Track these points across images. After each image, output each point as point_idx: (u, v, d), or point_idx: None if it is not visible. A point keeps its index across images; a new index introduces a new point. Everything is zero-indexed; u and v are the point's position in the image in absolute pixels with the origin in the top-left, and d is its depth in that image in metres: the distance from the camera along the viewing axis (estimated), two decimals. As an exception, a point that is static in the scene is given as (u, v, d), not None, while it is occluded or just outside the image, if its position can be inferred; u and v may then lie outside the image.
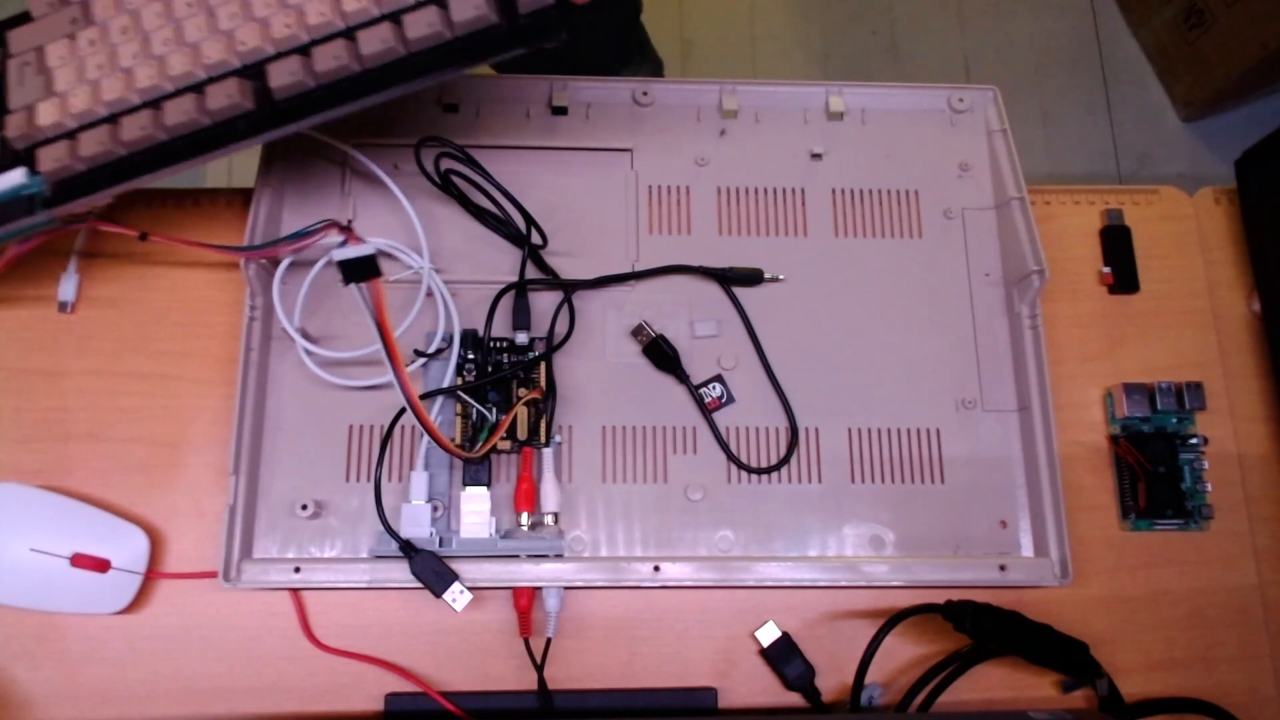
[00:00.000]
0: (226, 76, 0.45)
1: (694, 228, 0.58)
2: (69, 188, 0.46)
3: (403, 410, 0.51)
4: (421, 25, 0.43)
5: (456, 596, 0.48)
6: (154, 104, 0.45)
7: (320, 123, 0.45)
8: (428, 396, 0.52)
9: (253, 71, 0.45)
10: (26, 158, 0.46)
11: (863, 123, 0.61)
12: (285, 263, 0.53)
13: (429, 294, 0.55)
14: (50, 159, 0.46)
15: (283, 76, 0.44)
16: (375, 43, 0.43)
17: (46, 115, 0.46)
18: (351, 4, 0.44)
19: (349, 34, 0.44)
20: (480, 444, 0.50)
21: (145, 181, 0.46)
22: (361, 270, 0.44)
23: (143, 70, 0.45)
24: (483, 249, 0.56)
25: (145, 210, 0.58)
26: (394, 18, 0.44)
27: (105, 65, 0.46)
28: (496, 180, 0.54)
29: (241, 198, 0.58)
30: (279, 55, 0.45)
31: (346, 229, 0.48)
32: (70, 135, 0.46)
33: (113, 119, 0.45)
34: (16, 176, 0.46)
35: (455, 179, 0.56)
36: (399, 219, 0.56)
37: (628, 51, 0.91)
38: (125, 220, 0.53)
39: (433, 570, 0.49)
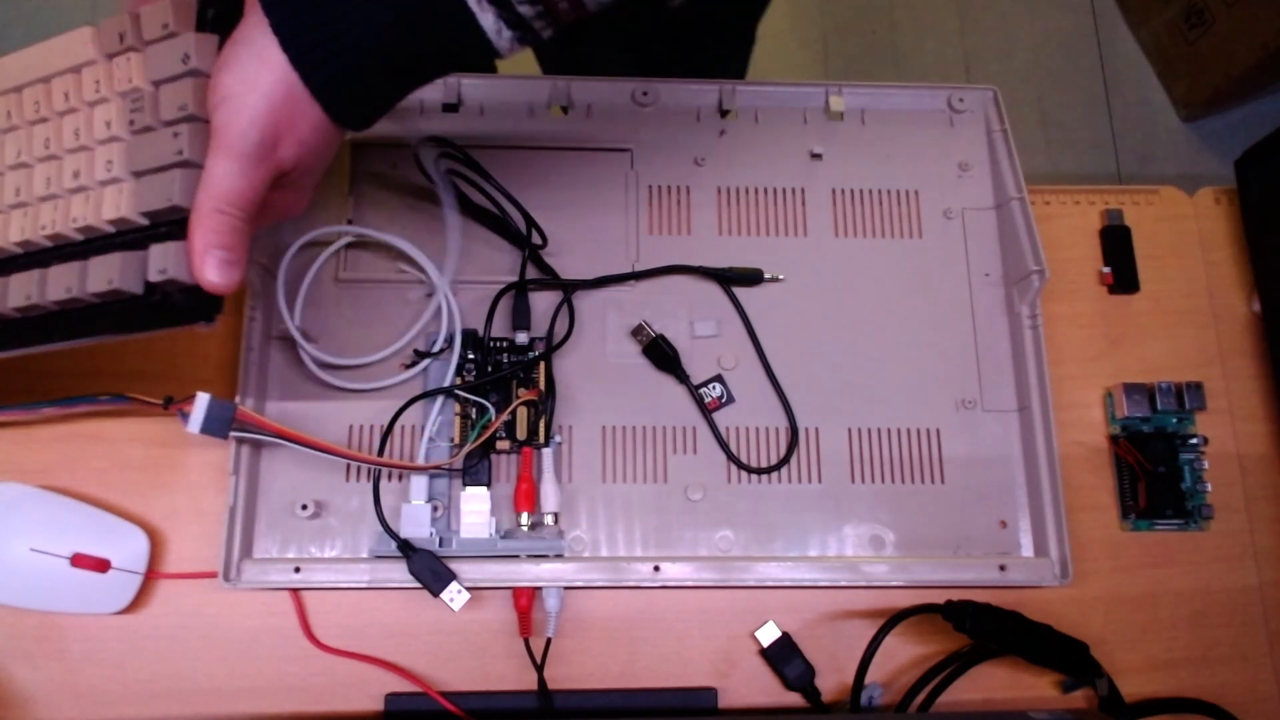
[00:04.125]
0: None
1: (694, 228, 0.58)
2: None
3: (402, 410, 0.51)
4: (60, 285, 0.38)
5: (454, 596, 0.48)
6: None
7: None
8: (426, 396, 0.52)
9: None
10: None
11: (863, 123, 0.61)
12: (287, 260, 0.53)
13: (429, 294, 0.55)
14: None
15: None
16: (19, 295, 0.39)
17: None
18: (16, 233, 0.40)
19: (8, 268, 0.40)
20: (470, 441, 0.50)
21: None
22: (217, 417, 0.45)
23: None
24: (482, 249, 0.56)
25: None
26: (47, 262, 0.39)
27: None
28: (496, 180, 0.54)
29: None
30: None
31: (171, 402, 0.47)
32: None
33: None
34: None
35: (455, 179, 0.56)
36: (399, 220, 0.56)
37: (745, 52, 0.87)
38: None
39: (430, 570, 0.49)
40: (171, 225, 0.37)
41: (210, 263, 0.35)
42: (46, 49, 0.40)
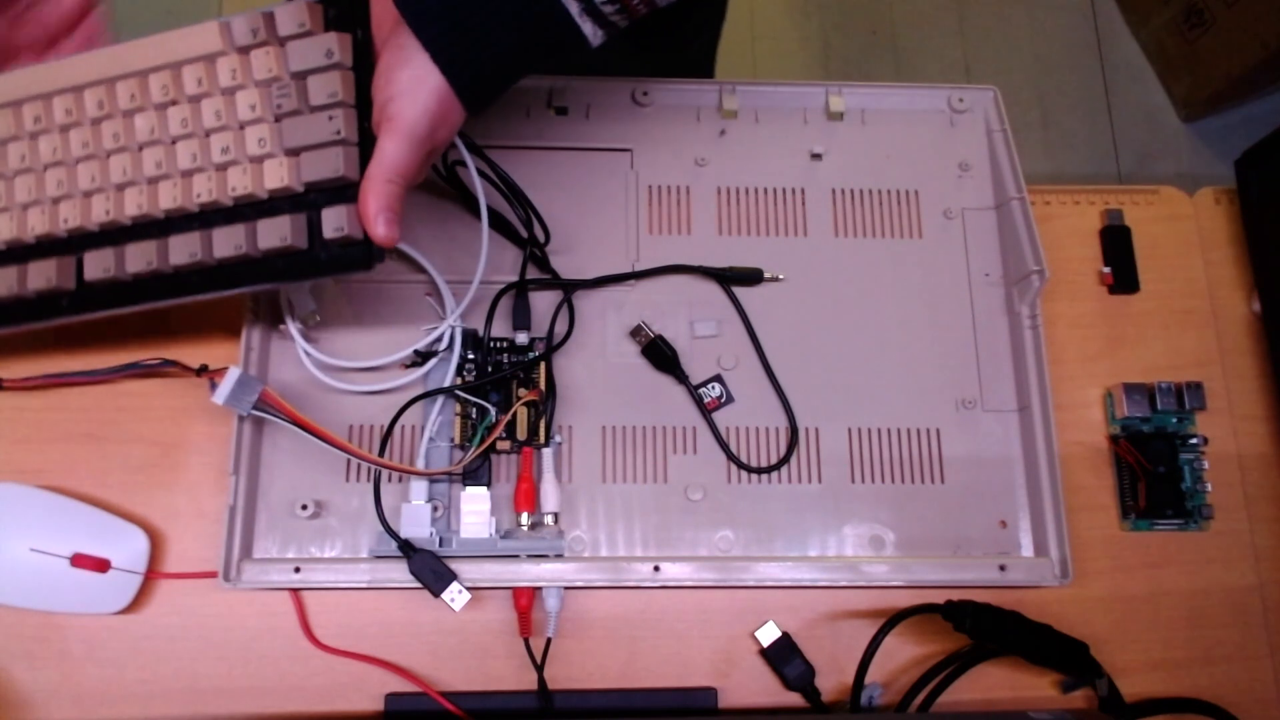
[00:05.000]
0: (49, 255, 0.47)
1: (694, 228, 0.58)
2: None
3: (402, 410, 0.51)
4: (228, 244, 0.44)
5: (455, 596, 0.48)
6: None
7: (132, 312, 0.47)
8: (426, 396, 0.52)
9: (75, 249, 0.47)
10: None
11: (863, 123, 0.61)
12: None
13: (429, 294, 0.55)
14: None
15: (95, 268, 0.46)
16: (183, 254, 0.45)
17: None
18: (166, 200, 0.45)
19: (163, 229, 0.46)
20: (473, 448, 0.50)
21: None
22: (243, 392, 0.48)
23: None
24: (482, 248, 0.56)
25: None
26: (206, 223, 0.45)
27: None
28: (503, 169, 0.54)
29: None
30: (99, 239, 0.47)
31: (205, 370, 0.50)
32: None
33: None
34: None
35: (457, 174, 0.56)
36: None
37: (709, 74, 0.92)
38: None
39: (431, 570, 0.49)
40: (324, 192, 0.44)
41: (382, 221, 0.42)
42: (169, 39, 0.45)
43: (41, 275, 0.46)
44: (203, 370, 0.50)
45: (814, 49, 1.48)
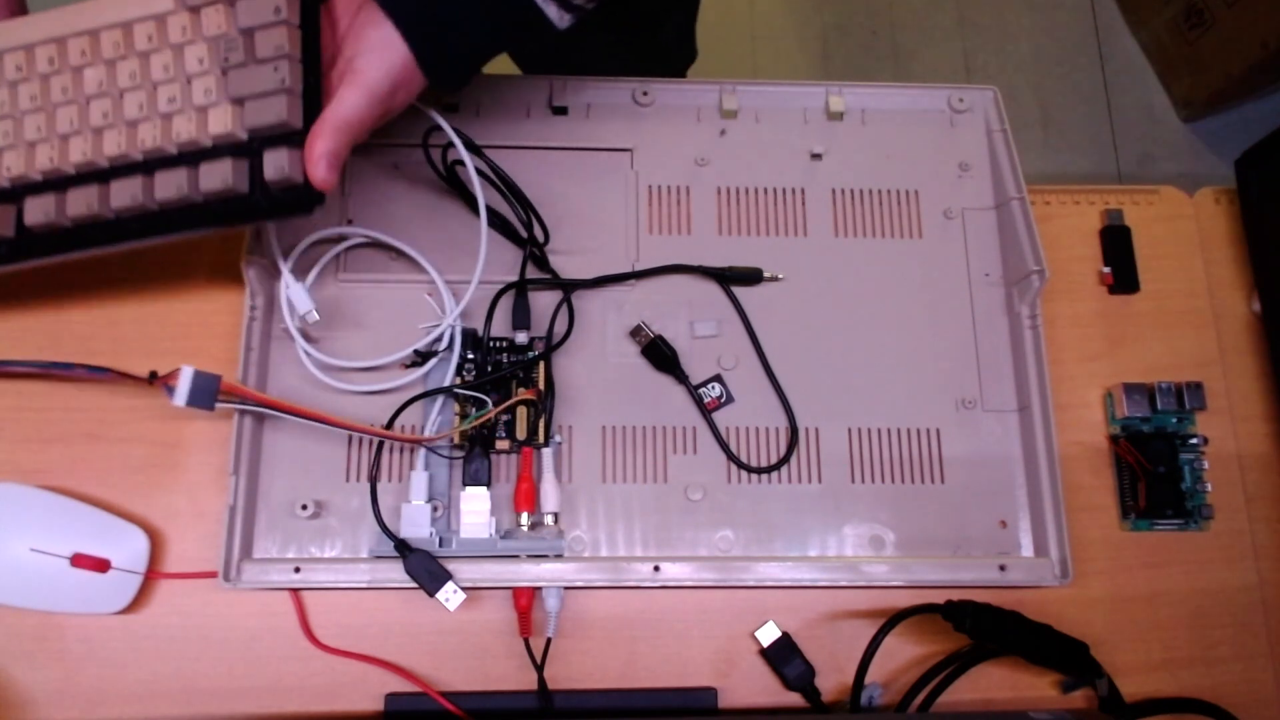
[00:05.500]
0: None
1: (694, 227, 0.58)
2: None
3: (401, 409, 0.52)
4: (170, 186, 0.45)
5: (450, 596, 0.48)
6: None
7: (73, 259, 0.47)
8: (426, 396, 0.52)
9: (17, 199, 0.47)
10: None
11: (863, 123, 0.61)
12: (292, 260, 0.53)
13: (429, 294, 0.55)
14: None
15: (36, 212, 0.46)
16: (124, 198, 0.45)
17: None
18: (111, 147, 0.46)
19: (105, 177, 0.46)
20: (470, 421, 0.50)
21: None
22: (203, 390, 0.47)
23: None
24: (482, 248, 0.56)
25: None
26: (148, 170, 0.45)
27: None
28: (502, 170, 0.54)
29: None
30: (42, 188, 0.47)
31: (155, 377, 0.49)
32: None
33: None
34: None
35: (456, 173, 0.56)
36: (397, 221, 0.56)
37: (690, 52, 0.93)
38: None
39: (427, 570, 0.49)
40: (267, 141, 0.45)
41: (324, 164, 0.43)
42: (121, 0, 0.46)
43: None
44: (153, 377, 0.49)
45: (814, 49, 1.48)
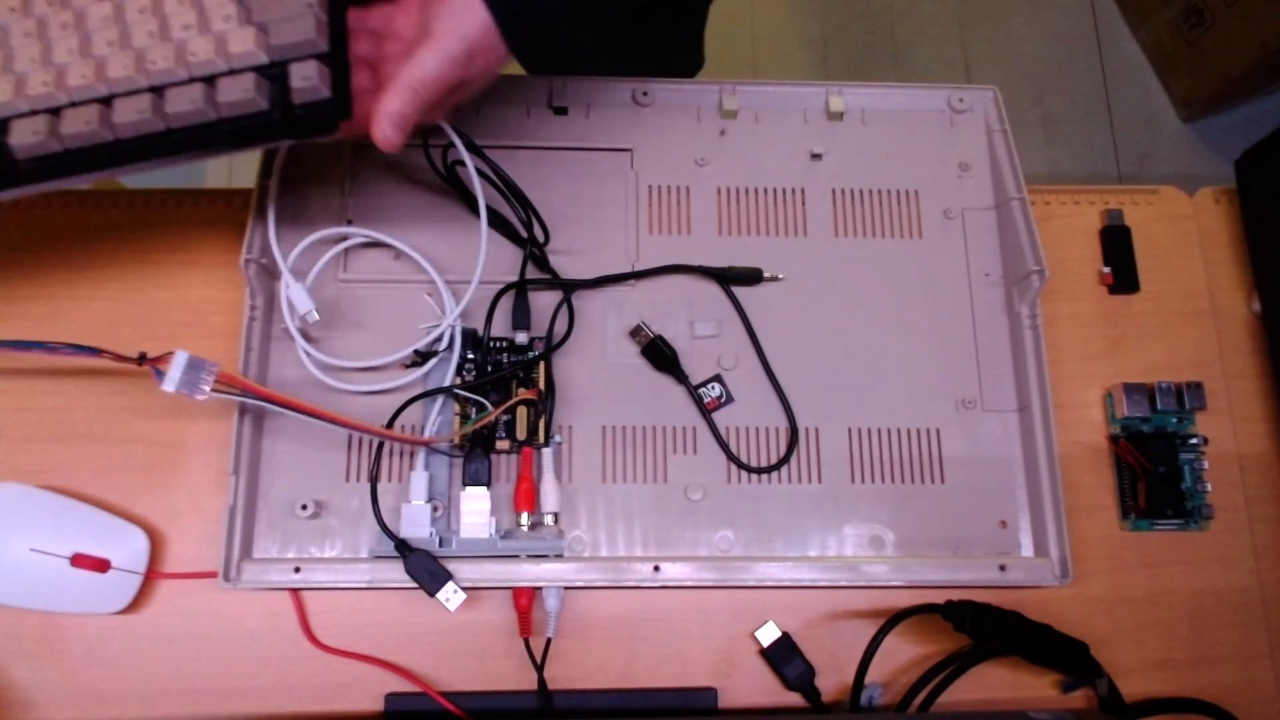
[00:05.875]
0: None
1: (694, 228, 0.58)
2: None
3: (401, 409, 0.51)
4: (184, 101, 0.42)
5: (450, 596, 0.48)
6: None
7: (64, 188, 0.44)
8: (426, 396, 0.52)
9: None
10: None
11: (863, 123, 0.61)
12: (291, 260, 0.53)
13: (429, 294, 0.55)
14: None
15: (24, 136, 0.42)
16: (129, 114, 0.42)
17: None
18: (117, 70, 0.42)
19: (108, 100, 0.42)
20: (471, 423, 0.50)
21: None
22: (195, 375, 0.45)
23: None
24: (482, 248, 0.56)
25: (144, 210, 0.58)
26: (158, 90, 0.42)
27: None
28: (503, 170, 0.54)
29: (241, 198, 0.58)
30: (30, 113, 0.43)
31: (145, 358, 0.46)
32: None
33: None
34: None
35: (456, 172, 0.56)
36: (397, 221, 0.56)
37: (698, 59, 0.93)
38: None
39: (427, 570, 0.49)
40: (286, 62, 0.43)
41: (389, 123, 0.43)
42: None
43: None
44: (143, 359, 0.46)
45: (814, 49, 1.48)
